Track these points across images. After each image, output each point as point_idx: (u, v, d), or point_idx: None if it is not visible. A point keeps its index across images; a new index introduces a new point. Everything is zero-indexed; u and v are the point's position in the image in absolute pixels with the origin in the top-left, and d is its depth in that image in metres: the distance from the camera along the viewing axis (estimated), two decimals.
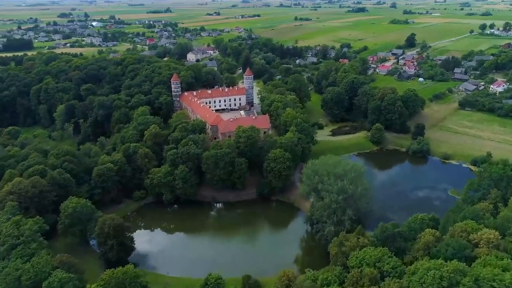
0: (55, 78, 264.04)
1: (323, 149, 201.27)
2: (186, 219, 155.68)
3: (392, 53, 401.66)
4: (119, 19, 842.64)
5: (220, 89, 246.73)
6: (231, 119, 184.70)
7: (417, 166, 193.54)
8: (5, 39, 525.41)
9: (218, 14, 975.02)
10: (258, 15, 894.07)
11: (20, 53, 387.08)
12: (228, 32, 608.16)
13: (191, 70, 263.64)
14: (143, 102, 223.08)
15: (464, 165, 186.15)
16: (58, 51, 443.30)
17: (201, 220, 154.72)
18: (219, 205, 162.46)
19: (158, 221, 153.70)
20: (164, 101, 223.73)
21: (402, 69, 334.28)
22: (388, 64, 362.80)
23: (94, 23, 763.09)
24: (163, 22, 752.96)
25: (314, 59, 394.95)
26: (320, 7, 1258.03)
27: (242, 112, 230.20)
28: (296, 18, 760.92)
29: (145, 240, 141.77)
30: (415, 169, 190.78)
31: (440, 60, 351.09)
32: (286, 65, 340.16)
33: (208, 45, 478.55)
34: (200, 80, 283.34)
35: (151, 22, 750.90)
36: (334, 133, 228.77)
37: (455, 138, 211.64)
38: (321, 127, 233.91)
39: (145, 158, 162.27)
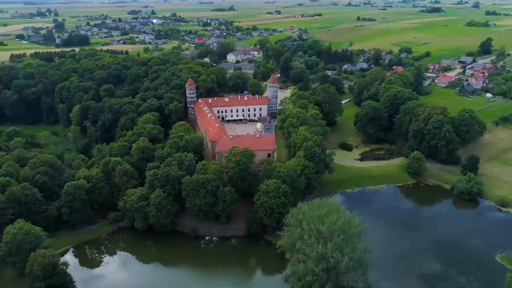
0: (80, 77, 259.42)
1: (344, 178, 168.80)
2: (160, 250, 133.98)
3: (459, 61, 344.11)
4: (179, 16, 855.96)
5: (239, 97, 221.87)
6: (231, 137, 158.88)
7: (462, 211, 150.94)
8: (67, 35, 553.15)
9: (279, 13, 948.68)
10: (319, 15, 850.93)
11: (67, 49, 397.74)
12: (281, 32, 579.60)
13: (214, 74, 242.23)
14: (153, 107, 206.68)
15: None
16: (108, 47, 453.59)
17: (176, 254, 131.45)
18: (208, 239, 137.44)
19: (128, 250, 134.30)
20: (173, 108, 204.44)
21: (467, 81, 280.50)
22: (451, 74, 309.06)
23: (154, 20, 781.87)
24: (220, 20, 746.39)
25: (365, 65, 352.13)
26: (391, 6, 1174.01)
27: (259, 125, 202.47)
28: (358, 18, 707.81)
29: (105, 272, 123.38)
30: (458, 216, 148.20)
31: None
32: (324, 72, 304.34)
33: (255, 46, 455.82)
34: (225, 85, 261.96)
35: (208, 21, 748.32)
36: (363, 157, 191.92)
37: None
38: (349, 148, 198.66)
39: (124, 176, 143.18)
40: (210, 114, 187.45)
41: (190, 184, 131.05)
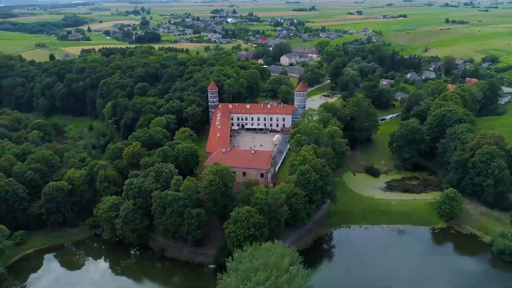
0: (122, 73, 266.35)
1: (355, 210, 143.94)
2: (129, 265, 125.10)
3: None
4: (255, 16, 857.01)
5: (262, 104, 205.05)
6: (224, 150, 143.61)
7: (498, 277, 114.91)
8: (143, 32, 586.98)
9: (360, 13, 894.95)
10: (404, 16, 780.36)
11: (132, 46, 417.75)
12: (352, 33, 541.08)
13: (244, 78, 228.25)
14: (173, 109, 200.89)
15: None
16: (174, 45, 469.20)
17: (143, 271, 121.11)
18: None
19: (97, 259, 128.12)
20: (191, 112, 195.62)
21: None
22: None
23: (229, 20, 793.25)
24: (293, 20, 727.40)
25: (433, 75, 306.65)
26: (496, 7, 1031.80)
27: (276, 137, 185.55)
28: (447, 20, 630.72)
29: (62, 280, 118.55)
30: (489, 284, 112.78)
31: None
32: (380, 80, 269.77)
33: (316, 48, 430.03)
34: (258, 90, 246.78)
35: (282, 20, 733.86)
36: (389, 186, 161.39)
37: None
38: (375, 174, 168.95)
39: (105, 182, 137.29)
40: (218, 122, 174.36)
41: (158, 200, 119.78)
